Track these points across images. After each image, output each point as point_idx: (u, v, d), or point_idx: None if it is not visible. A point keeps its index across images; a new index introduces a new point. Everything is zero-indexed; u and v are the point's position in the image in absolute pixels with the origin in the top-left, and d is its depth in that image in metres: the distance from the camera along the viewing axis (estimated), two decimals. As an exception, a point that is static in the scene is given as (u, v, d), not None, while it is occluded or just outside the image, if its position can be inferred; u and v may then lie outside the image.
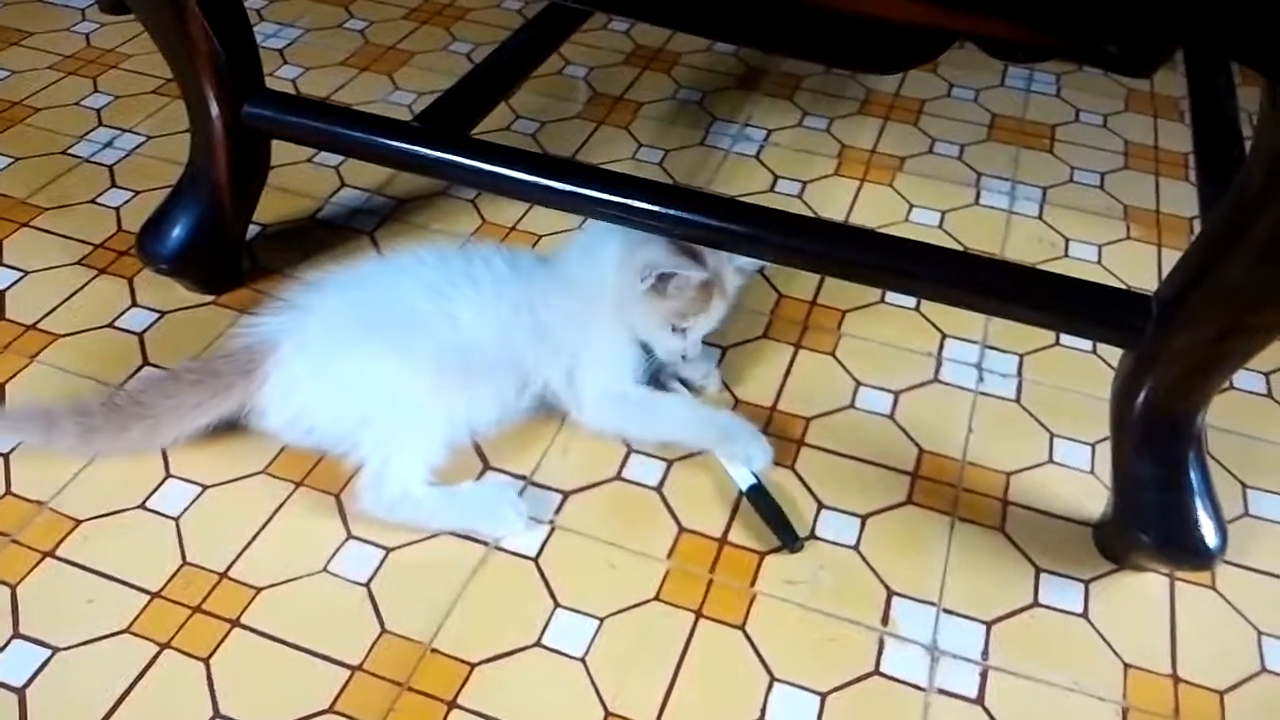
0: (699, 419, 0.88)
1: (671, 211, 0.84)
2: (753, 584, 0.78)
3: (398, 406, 0.82)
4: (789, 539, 0.80)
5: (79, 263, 1.04)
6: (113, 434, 0.82)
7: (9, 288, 1.01)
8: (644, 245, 0.87)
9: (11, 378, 0.91)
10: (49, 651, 0.72)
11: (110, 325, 0.97)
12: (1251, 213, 0.65)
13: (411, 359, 0.83)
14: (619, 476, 0.86)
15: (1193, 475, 0.76)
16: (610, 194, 0.85)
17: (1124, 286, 1.07)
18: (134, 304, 1.00)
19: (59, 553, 0.78)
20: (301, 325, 0.85)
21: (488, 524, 0.81)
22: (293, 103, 0.95)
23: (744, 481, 0.84)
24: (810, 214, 1.16)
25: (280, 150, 1.00)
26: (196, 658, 0.72)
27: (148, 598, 0.75)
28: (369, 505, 0.80)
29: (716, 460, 0.86)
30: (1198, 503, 0.76)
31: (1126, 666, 0.75)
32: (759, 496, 0.83)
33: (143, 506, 0.81)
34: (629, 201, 0.84)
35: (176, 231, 0.97)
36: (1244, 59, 0.58)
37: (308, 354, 0.83)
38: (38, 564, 0.77)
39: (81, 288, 1.01)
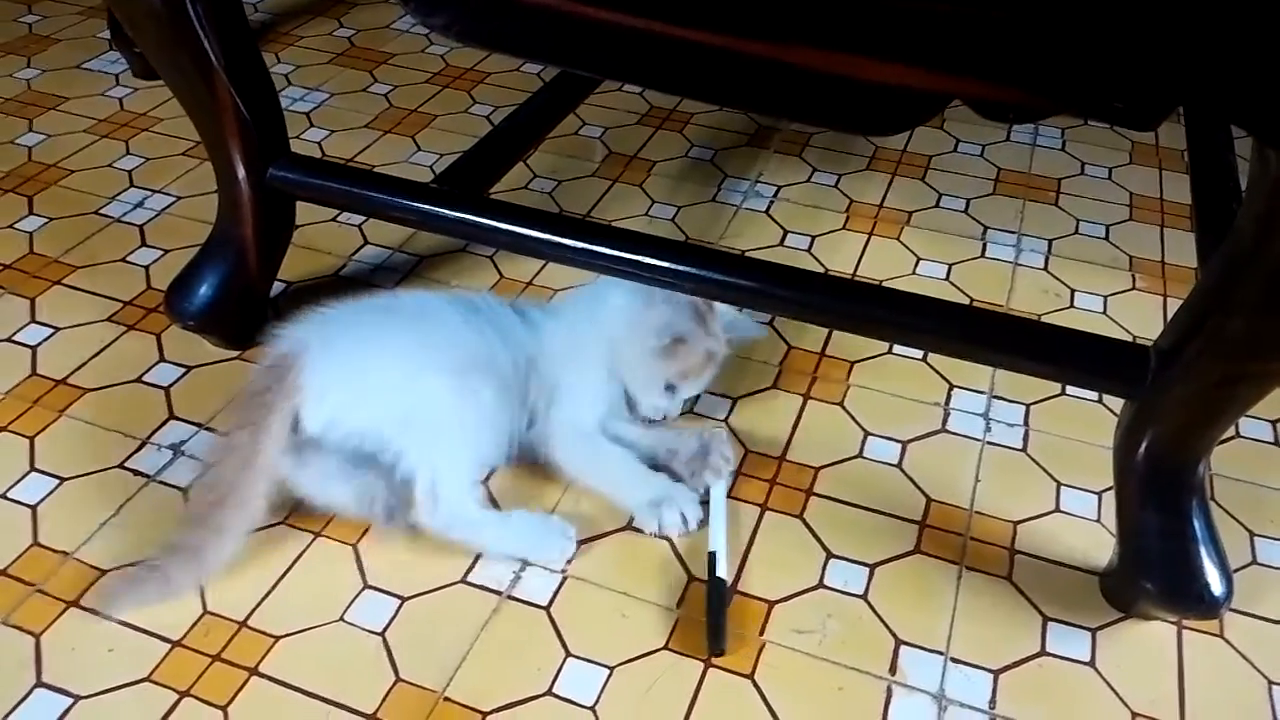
0: (636, 480, 0.88)
1: (681, 267, 0.86)
2: (762, 633, 0.79)
3: (436, 408, 0.84)
4: (715, 643, 0.78)
5: (109, 319, 1.08)
6: (209, 533, 0.79)
7: (40, 344, 1.04)
8: (662, 303, 0.91)
9: (40, 431, 0.94)
10: (71, 700, 0.73)
11: (138, 380, 1.00)
12: (1244, 266, 0.66)
13: (442, 364, 0.85)
14: (630, 526, 0.87)
15: (1196, 524, 0.77)
16: (621, 250, 0.87)
17: (1130, 337, 1.08)
18: (162, 359, 1.03)
19: (83, 602, 0.80)
20: (328, 329, 0.86)
21: (539, 551, 0.84)
22: (316, 165, 0.99)
23: (713, 587, 0.81)
24: (819, 268, 1.18)
25: (306, 209, 1.04)
26: (215, 706, 0.73)
27: (168, 646, 0.77)
28: (426, 520, 0.82)
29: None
30: (1202, 551, 0.76)
31: (1134, 715, 0.75)
32: (716, 590, 0.81)
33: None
34: (639, 258, 0.87)
35: (203, 289, 1.00)
36: (1239, 122, 0.60)
37: (338, 352, 0.84)
38: (62, 613, 0.79)
39: (111, 343, 1.05)
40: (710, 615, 0.79)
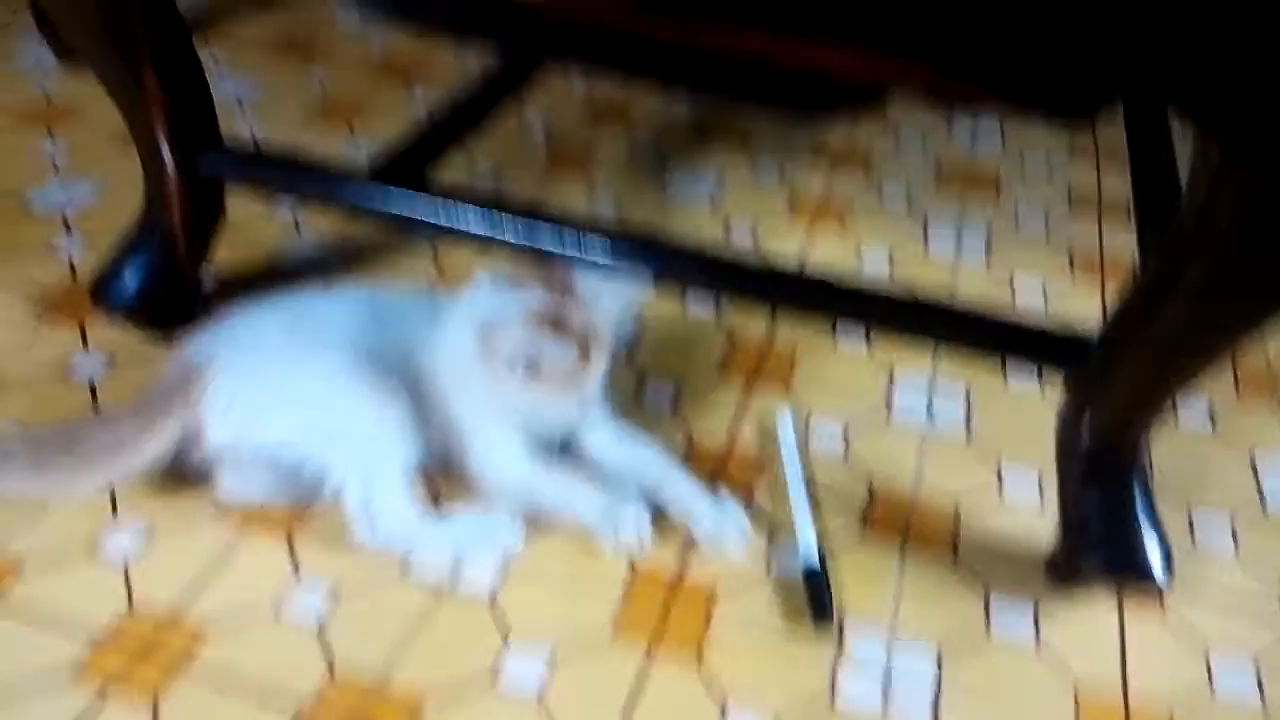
0: (586, 499, 0.83)
1: (622, 256, 0.85)
2: (707, 617, 0.78)
3: (356, 419, 0.81)
4: (821, 615, 0.78)
5: (31, 310, 1.03)
6: (30, 470, 0.77)
7: (-42, 336, 1.00)
8: (500, 327, 0.77)
9: (-42, 425, 0.90)
10: (-11, 701, 0.70)
11: (62, 372, 0.96)
12: (1186, 254, 0.67)
13: (356, 373, 0.81)
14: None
15: (1138, 501, 0.78)
16: (562, 238, 0.86)
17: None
18: (85, 349, 0.99)
19: (1, 600, 0.76)
20: (235, 338, 0.84)
21: (486, 549, 0.81)
22: (245, 151, 0.96)
23: (806, 561, 0.82)
24: (762, 258, 1.18)
25: (238, 198, 1.01)
26: (144, 703, 0.70)
27: (93, 643, 0.74)
28: (365, 539, 0.79)
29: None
30: (1143, 527, 0.77)
31: (1078, 691, 0.75)
32: (817, 577, 0.80)
33: (91, 550, 0.80)
34: (580, 245, 0.86)
35: (130, 278, 0.97)
36: (1182, 108, 0.61)
37: (246, 363, 0.81)
38: (-21, 611, 0.76)
39: (33, 334, 1.00)
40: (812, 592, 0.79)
